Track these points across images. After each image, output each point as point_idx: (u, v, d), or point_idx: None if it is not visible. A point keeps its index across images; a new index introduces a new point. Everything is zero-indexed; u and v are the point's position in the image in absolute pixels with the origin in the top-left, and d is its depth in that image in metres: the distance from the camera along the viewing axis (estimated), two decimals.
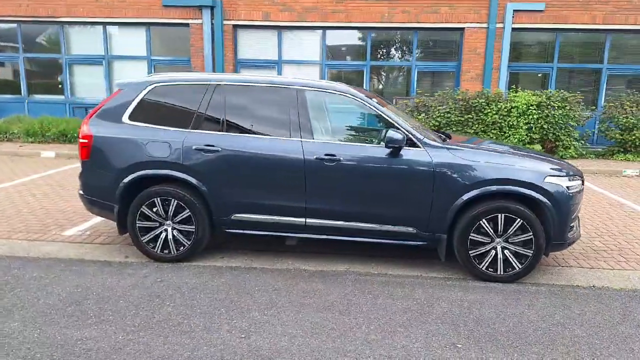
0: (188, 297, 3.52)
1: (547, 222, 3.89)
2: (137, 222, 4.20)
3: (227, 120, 4.18)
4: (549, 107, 10.30)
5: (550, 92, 10.51)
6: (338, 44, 13.05)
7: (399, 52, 12.93)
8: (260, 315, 3.24)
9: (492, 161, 3.92)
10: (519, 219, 3.85)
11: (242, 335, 2.97)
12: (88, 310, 3.26)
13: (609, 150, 10.87)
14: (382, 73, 13.20)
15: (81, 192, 4.42)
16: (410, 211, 3.99)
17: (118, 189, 4.18)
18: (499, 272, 3.96)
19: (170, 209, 4.17)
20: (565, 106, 10.31)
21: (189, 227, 4.19)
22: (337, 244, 4.52)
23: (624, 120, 10.31)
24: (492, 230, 3.91)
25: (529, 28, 12.02)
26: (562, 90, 10.62)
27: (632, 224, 5.84)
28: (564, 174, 3.97)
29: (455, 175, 3.88)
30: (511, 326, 3.19)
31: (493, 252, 3.96)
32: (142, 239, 4.23)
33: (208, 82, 4.27)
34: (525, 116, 10.30)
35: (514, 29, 11.95)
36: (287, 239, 4.86)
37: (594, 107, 12.09)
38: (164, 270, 4.04)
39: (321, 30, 12.76)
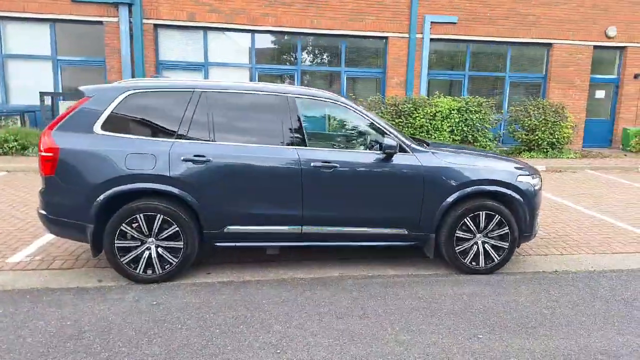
0: (197, 318, 3.30)
1: (519, 217, 4.32)
2: (115, 241, 3.84)
3: (215, 129, 3.99)
4: (467, 111, 11.29)
5: (468, 98, 11.52)
6: (268, 48, 12.97)
7: (329, 58, 13.22)
8: (284, 328, 3.17)
9: (473, 163, 4.25)
10: (497, 215, 4.22)
11: (278, 351, 2.88)
12: (92, 344, 2.92)
13: (516, 149, 12.21)
14: (313, 78, 13.38)
15: (43, 211, 3.91)
16: (403, 213, 4.17)
17: (93, 207, 3.77)
18: (481, 265, 4.30)
19: (154, 226, 3.87)
20: (481, 110, 11.38)
21: (177, 243, 3.92)
22: (316, 251, 4.57)
23: (528, 123, 11.66)
24: (474, 227, 4.24)
25: (444, 39, 13.04)
26: (477, 97, 11.70)
27: (559, 213, 6.66)
28: (528, 173, 4.43)
29: (443, 178, 4.14)
30: (512, 313, 3.50)
31: (475, 247, 4.29)
32: (121, 260, 3.87)
33: (193, 89, 4.04)
34: (448, 120, 11.18)
35: (432, 40, 12.89)
36: (268, 249, 4.78)
37: (501, 111, 13.48)
38: (154, 292, 3.75)
39: (250, 34, 12.59)
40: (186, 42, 12.52)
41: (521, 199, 4.27)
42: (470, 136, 11.39)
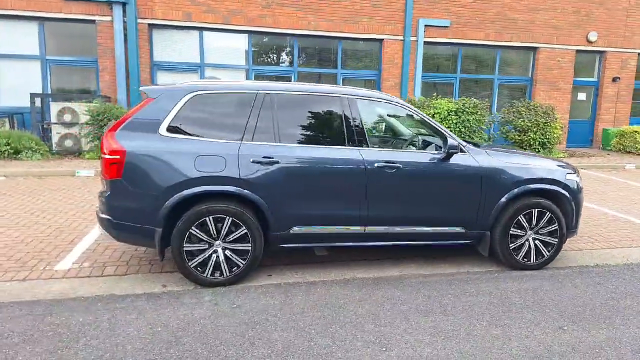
0: (286, 319, 3.30)
1: (567, 214, 4.51)
2: (184, 245, 3.77)
3: (280, 131, 3.99)
4: (464, 112, 11.60)
5: (464, 99, 11.84)
6: (264, 49, 12.91)
7: (325, 59, 13.27)
8: (377, 327, 3.21)
9: (526, 162, 4.41)
10: (548, 213, 4.40)
11: (383, 349, 2.92)
12: (196, 349, 2.86)
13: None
14: (310, 80, 13.40)
15: (106, 216, 3.79)
16: (461, 212, 4.28)
17: (162, 210, 3.70)
18: (532, 261, 4.47)
19: (223, 228, 3.83)
20: (477, 112, 11.72)
21: (244, 245, 3.89)
22: (362, 251, 4.62)
23: (521, 124, 12.10)
24: (527, 224, 4.40)
25: (437, 42, 13.35)
26: (473, 98, 12.04)
27: None
28: (573, 171, 4.64)
29: (499, 176, 4.28)
30: (581, 305, 3.66)
31: (527, 244, 4.45)
32: (189, 263, 3.81)
33: (256, 91, 4.02)
34: (446, 121, 11.45)
35: (425, 43, 13.17)
36: (317, 250, 4.81)
37: (491, 113, 13.91)
38: (227, 295, 3.70)
39: (247, 34, 12.50)
40: (182, 43, 12.31)
41: (569, 196, 4.47)
42: (468, 137, 11.69)
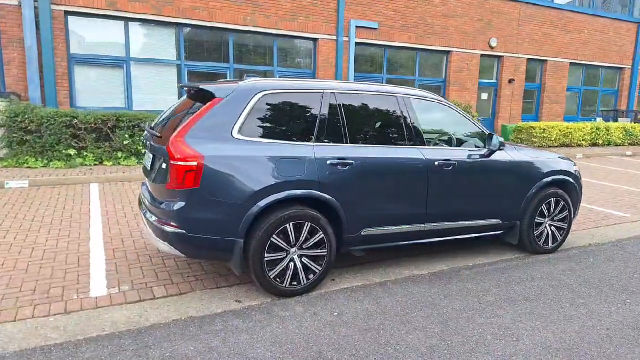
0: (399, 320, 3.26)
1: (574, 201, 5.14)
2: (265, 255, 3.51)
3: (347, 131, 3.90)
4: None
5: None
6: (198, 44, 12.15)
7: (262, 56, 12.96)
8: (486, 319, 3.33)
9: (545, 157, 4.92)
10: (562, 201, 4.96)
11: (514, 339, 3.06)
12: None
13: None
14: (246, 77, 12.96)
15: (179, 230, 3.34)
16: (501, 204, 4.61)
17: (244, 220, 3.39)
18: (549, 245, 5.00)
19: (302, 234, 3.64)
20: None
21: (320, 251, 3.75)
22: (393, 249, 4.69)
23: None
24: (547, 212, 4.91)
25: (367, 43, 13.90)
26: None
27: None
28: (573, 162, 5.28)
29: (528, 170, 4.71)
30: (621, 280, 4.19)
31: (545, 230, 4.97)
32: (269, 274, 3.55)
33: (322, 90, 3.87)
34: None
35: (357, 43, 13.62)
36: (356, 251, 4.79)
37: None
38: (315, 304, 3.53)
39: (179, 27, 11.66)
40: (104, 34, 11.03)
41: (576, 184, 5.09)
42: None
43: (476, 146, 4.57)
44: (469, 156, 4.41)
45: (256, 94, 3.59)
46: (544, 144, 14.65)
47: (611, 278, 4.27)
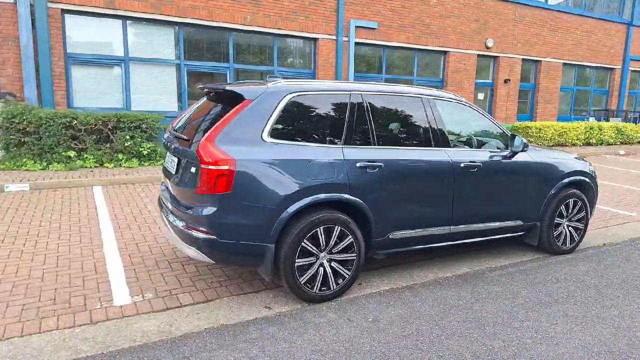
0: (437, 325, 3.21)
1: (591, 201, 5.15)
2: (296, 260, 3.44)
3: (375, 133, 3.84)
4: None
5: None
6: (198, 43, 12.00)
7: (262, 56, 12.85)
8: (522, 323, 3.31)
9: (563, 157, 4.92)
10: (579, 202, 4.97)
11: (554, 343, 3.04)
12: None
13: None
14: (246, 77, 12.85)
15: (211, 236, 3.25)
16: (523, 206, 4.59)
17: (276, 225, 3.32)
18: (567, 246, 5.00)
19: (332, 239, 3.58)
20: None
21: (350, 255, 3.69)
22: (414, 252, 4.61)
23: None
24: (565, 213, 4.91)
25: (367, 43, 13.86)
26: None
27: None
28: (589, 162, 5.30)
29: (549, 171, 4.70)
30: (638, 278, 4.24)
31: (563, 231, 4.97)
32: (300, 279, 3.49)
33: (349, 92, 3.81)
34: None
35: (356, 43, 13.58)
36: (379, 254, 4.74)
37: None
38: (346, 309, 3.47)
39: (178, 27, 11.50)
40: (102, 33, 10.83)
41: (592, 185, 5.11)
42: None
43: (498, 147, 4.55)
44: (492, 157, 4.39)
45: (285, 96, 3.52)
46: (539, 143, 14.78)
47: (635, 279, 4.28)
